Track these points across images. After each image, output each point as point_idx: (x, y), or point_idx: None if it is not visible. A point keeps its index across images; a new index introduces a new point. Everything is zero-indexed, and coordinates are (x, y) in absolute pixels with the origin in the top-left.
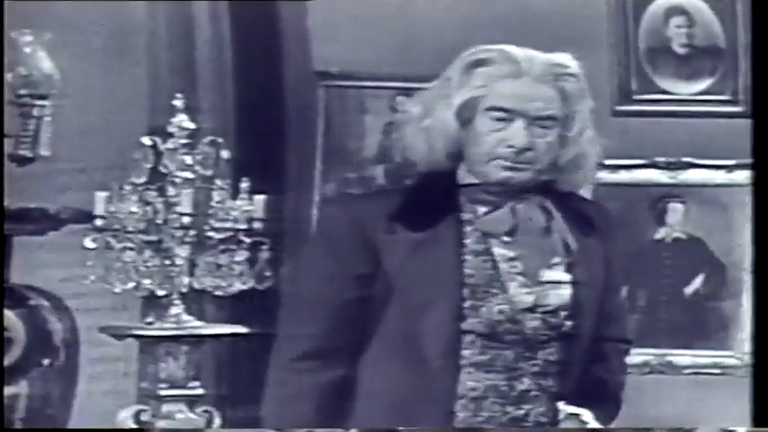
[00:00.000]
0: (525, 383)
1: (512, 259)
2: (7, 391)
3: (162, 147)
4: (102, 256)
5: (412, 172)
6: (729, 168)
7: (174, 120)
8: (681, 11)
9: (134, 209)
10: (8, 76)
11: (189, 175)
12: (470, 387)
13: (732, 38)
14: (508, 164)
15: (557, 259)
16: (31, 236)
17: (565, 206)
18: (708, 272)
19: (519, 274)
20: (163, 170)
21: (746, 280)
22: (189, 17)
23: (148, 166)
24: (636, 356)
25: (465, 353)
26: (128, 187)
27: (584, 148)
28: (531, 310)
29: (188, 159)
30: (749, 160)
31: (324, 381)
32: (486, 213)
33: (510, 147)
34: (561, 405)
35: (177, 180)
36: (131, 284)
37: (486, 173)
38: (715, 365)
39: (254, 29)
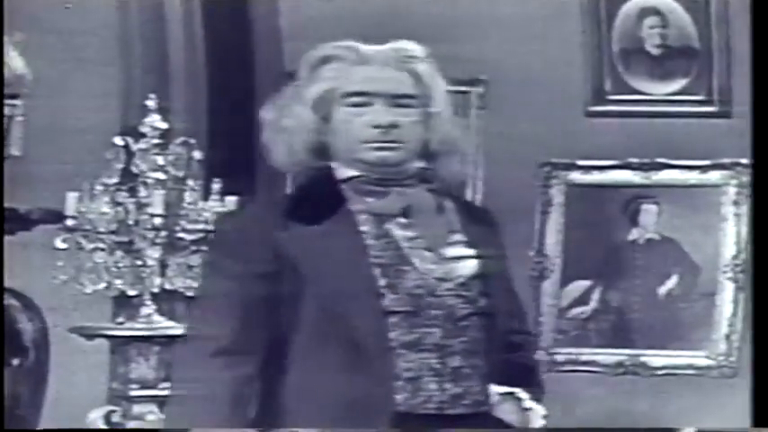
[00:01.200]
0: (457, 360)
1: (413, 239)
2: None
3: (134, 147)
4: (73, 257)
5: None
6: (703, 169)
7: (147, 120)
8: (654, 11)
9: (105, 209)
10: None
11: (161, 175)
12: (405, 368)
13: (706, 38)
14: (378, 144)
15: (455, 236)
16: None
17: (450, 193)
18: (681, 272)
19: (424, 248)
20: (135, 170)
21: (721, 281)
22: (161, 17)
23: (120, 166)
24: (610, 357)
25: (393, 334)
26: (99, 187)
27: (451, 128)
28: (444, 281)
29: (160, 160)
30: (723, 160)
31: (237, 380)
32: (374, 202)
33: (376, 127)
34: (493, 387)
35: (149, 181)
36: (102, 285)
37: (359, 159)
38: (689, 366)
39: (227, 29)
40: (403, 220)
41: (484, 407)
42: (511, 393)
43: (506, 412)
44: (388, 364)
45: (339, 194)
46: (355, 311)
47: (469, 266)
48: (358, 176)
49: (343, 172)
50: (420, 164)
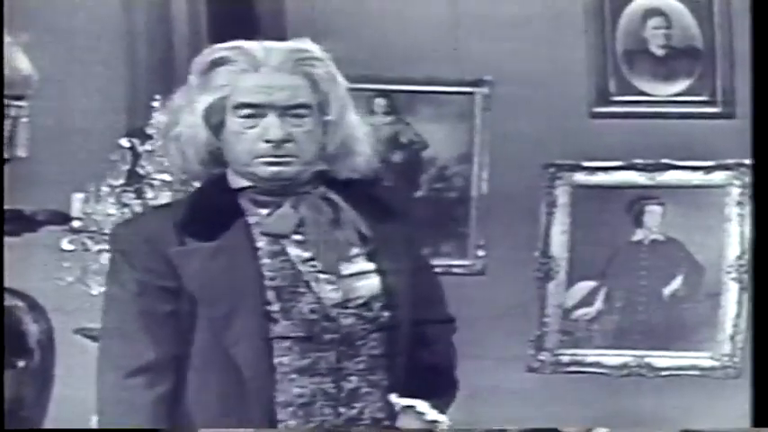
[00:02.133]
0: (353, 382)
1: (308, 259)
2: None
3: (140, 148)
4: (79, 258)
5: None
6: (707, 170)
7: (153, 121)
8: (658, 12)
9: (111, 210)
10: None
11: (167, 176)
12: (297, 393)
13: (709, 39)
14: (271, 159)
15: (354, 250)
16: (7, 237)
17: (353, 194)
18: (686, 273)
19: (320, 271)
20: (141, 172)
21: (725, 281)
22: (167, 18)
23: (126, 167)
24: (614, 358)
25: (285, 359)
26: (105, 189)
27: (351, 131)
28: (343, 305)
29: (166, 161)
30: (727, 161)
31: (154, 396)
32: (268, 214)
33: (268, 142)
34: (393, 398)
35: (155, 182)
36: None
37: (252, 173)
38: (693, 367)
39: (233, 29)
40: (298, 237)
41: (385, 422)
42: (411, 407)
43: (409, 424)
44: (271, 392)
45: (235, 205)
46: (240, 340)
47: (369, 285)
48: (251, 186)
49: (237, 181)
50: (317, 167)
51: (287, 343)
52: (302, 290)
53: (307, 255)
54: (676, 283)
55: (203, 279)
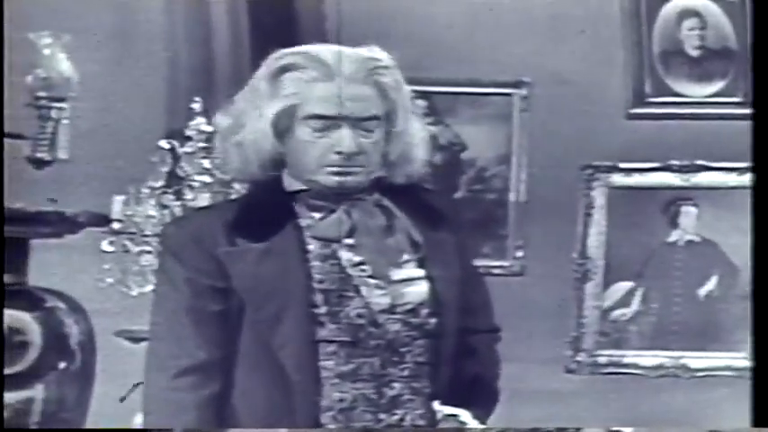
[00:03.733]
0: (396, 389)
1: (359, 264)
2: (22, 394)
3: (180, 150)
4: (120, 260)
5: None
6: (742, 171)
7: (192, 123)
8: (693, 13)
9: (151, 212)
10: (27, 78)
11: (206, 178)
12: (338, 398)
13: (743, 40)
14: (338, 170)
15: (405, 256)
16: (48, 239)
17: (406, 201)
18: (721, 274)
19: (369, 276)
20: (180, 173)
21: None
22: (207, 20)
23: (166, 169)
24: (650, 359)
25: (328, 364)
26: (145, 190)
27: (412, 139)
28: (390, 311)
29: (206, 163)
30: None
31: (202, 396)
32: (321, 218)
33: (339, 153)
34: (437, 406)
35: (195, 184)
36: (148, 288)
37: (316, 181)
38: (728, 368)
39: (272, 31)
40: (350, 241)
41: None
42: (454, 415)
43: None
44: (315, 396)
45: (288, 207)
46: (290, 340)
47: (417, 291)
48: (306, 190)
49: (293, 184)
50: (376, 174)
51: (332, 347)
52: (351, 294)
53: (357, 259)
54: (711, 283)
55: (252, 280)
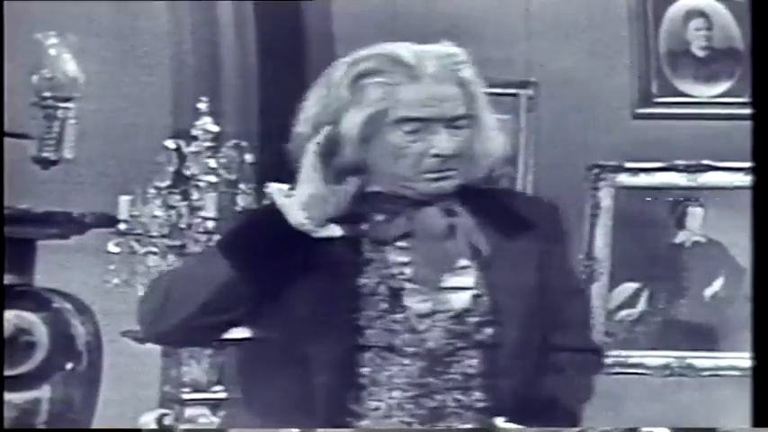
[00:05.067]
0: (437, 400)
1: (404, 264)
2: (29, 395)
3: (186, 150)
4: (126, 260)
5: None
6: (748, 171)
7: (198, 123)
8: (700, 13)
9: (158, 213)
10: (33, 78)
11: (213, 178)
12: (373, 407)
13: (750, 40)
14: (437, 175)
15: (463, 262)
16: (54, 239)
17: (486, 206)
18: (727, 275)
19: (411, 280)
20: (187, 174)
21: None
22: (214, 20)
23: (172, 169)
24: (656, 359)
25: (364, 370)
26: (151, 191)
27: (491, 133)
28: (428, 317)
29: (212, 163)
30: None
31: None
32: (383, 221)
33: (436, 156)
34: (500, 421)
35: (201, 184)
36: None
37: (411, 187)
38: (734, 368)
39: (279, 32)
40: (402, 243)
41: None
42: None
43: None
44: (343, 402)
45: (354, 209)
46: (324, 340)
47: (461, 298)
48: (380, 192)
49: (369, 185)
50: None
51: (369, 353)
52: (393, 299)
53: (407, 260)
54: (717, 284)
55: (304, 274)
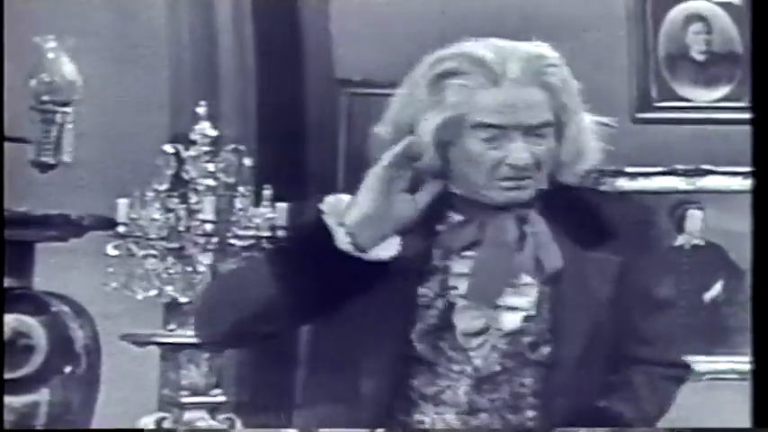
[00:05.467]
0: (481, 418)
1: (463, 275)
2: (28, 398)
3: (184, 154)
4: (125, 263)
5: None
6: (747, 175)
7: (197, 127)
8: (699, 17)
9: (156, 216)
10: (31, 82)
11: (211, 182)
12: (417, 420)
13: (749, 44)
14: (511, 185)
15: (525, 279)
16: (53, 242)
17: (569, 210)
18: (726, 278)
19: (464, 296)
20: (185, 177)
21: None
22: (212, 24)
23: (171, 173)
24: None
25: (415, 383)
26: (150, 194)
27: (584, 137)
28: (477, 336)
29: (210, 167)
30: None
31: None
32: (454, 227)
33: (511, 166)
34: None
35: (200, 187)
36: (154, 291)
37: (486, 196)
38: (732, 371)
39: (277, 36)
40: (469, 253)
41: None
42: None
43: None
44: (388, 413)
45: (439, 207)
46: (375, 349)
47: (515, 320)
48: (456, 194)
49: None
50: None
51: (419, 365)
52: (447, 313)
53: (466, 272)
54: (717, 288)
55: (368, 282)
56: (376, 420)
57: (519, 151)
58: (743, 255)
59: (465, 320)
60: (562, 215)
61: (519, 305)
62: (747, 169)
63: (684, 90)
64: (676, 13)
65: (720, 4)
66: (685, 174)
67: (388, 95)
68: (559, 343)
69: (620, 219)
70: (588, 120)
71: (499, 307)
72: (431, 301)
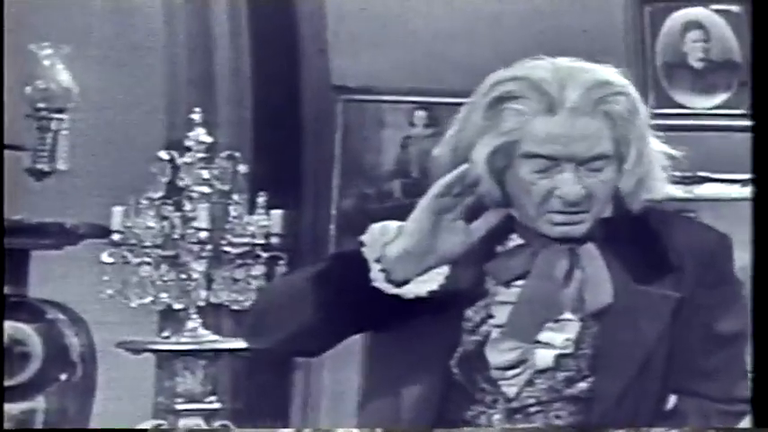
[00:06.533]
0: None
1: (505, 303)
2: (24, 406)
3: (179, 161)
4: (119, 271)
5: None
6: (744, 182)
7: (192, 134)
8: (697, 25)
9: (151, 223)
10: (27, 89)
11: (206, 189)
12: None
13: (747, 52)
14: (562, 219)
15: (567, 315)
16: (48, 250)
17: (629, 240)
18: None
19: (500, 326)
20: (180, 184)
21: None
22: (208, 31)
23: (165, 180)
24: None
25: (451, 406)
26: (145, 202)
27: (649, 167)
28: (508, 369)
29: (205, 174)
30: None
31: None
32: (515, 249)
33: (560, 198)
34: None
35: (194, 194)
36: (148, 299)
37: (538, 228)
38: None
39: (273, 43)
40: (517, 282)
41: None
42: None
43: None
44: None
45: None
46: (420, 375)
47: (547, 358)
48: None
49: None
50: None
51: (455, 391)
52: (477, 340)
53: (511, 301)
54: None
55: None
56: None
57: (569, 184)
58: (739, 263)
59: (497, 353)
60: (624, 245)
61: (555, 342)
62: (745, 177)
63: (682, 98)
64: (674, 20)
65: (719, 12)
66: (682, 181)
67: (384, 102)
68: (599, 379)
69: (688, 251)
70: (657, 151)
71: (536, 342)
72: (475, 327)
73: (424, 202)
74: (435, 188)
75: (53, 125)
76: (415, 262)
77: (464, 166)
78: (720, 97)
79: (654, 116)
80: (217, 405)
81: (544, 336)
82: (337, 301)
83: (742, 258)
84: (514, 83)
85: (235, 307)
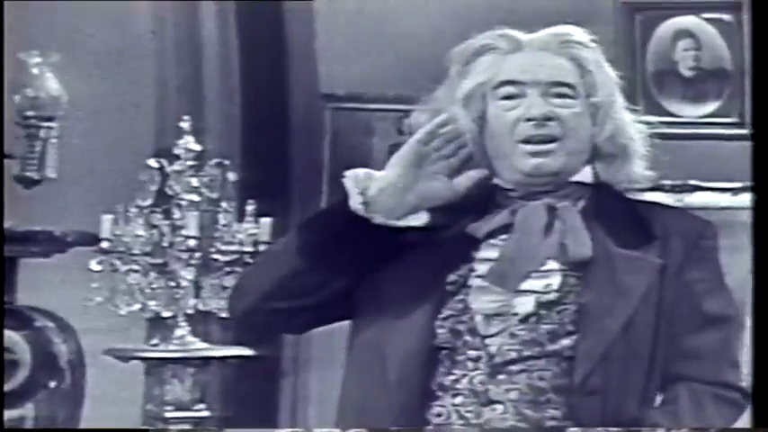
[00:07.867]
0: (497, 410)
1: (490, 260)
2: (13, 413)
3: (168, 169)
4: (108, 279)
5: None
6: (735, 191)
7: (181, 142)
8: (688, 33)
9: (140, 231)
10: (15, 98)
11: (195, 197)
12: (436, 413)
13: (739, 60)
14: (533, 148)
15: (550, 265)
16: (37, 258)
17: (613, 210)
18: None
19: (483, 276)
20: (169, 192)
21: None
22: (196, 39)
23: (154, 188)
24: None
25: (437, 372)
26: (133, 210)
27: (623, 125)
28: (491, 318)
29: (194, 182)
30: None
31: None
32: (489, 217)
33: (529, 120)
34: None
35: (183, 202)
36: (137, 306)
37: (514, 166)
38: None
39: (262, 51)
40: (497, 240)
41: None
42: None
43: None
44: (414, 406)
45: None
46: (403, 341)
47: (528, 303)
48: (510, 189)
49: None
50: (586, 172)
51: (440, 355)
52: (463, 297)
53: (494, 257)
54: None
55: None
56: (401, 412)
57: (535, 105)
58: (730, 271)
59: (481, 303)
60: (606, 215)
61: (535, 288)
62: (736, 185)
63: (672, 106)
64: (665, 29)
65: (709, 21)
66: (672, 190)
67: (372, 110)
68: (582, 336)
69: (672, 225)
70: (630, 117)
71: (518, 291)
72: (457, 288)
73: (407, 146)
74: (418, 134)
75: (42, 133)
76: (397, 196)
77: (444, 115)
78: (711, 106)
79: (644, 124)
80: (206, 413)
81: (526, 284)
82: (321, 241)
83: (732, 264)
84: (489, 38)
85: (223, 315)
